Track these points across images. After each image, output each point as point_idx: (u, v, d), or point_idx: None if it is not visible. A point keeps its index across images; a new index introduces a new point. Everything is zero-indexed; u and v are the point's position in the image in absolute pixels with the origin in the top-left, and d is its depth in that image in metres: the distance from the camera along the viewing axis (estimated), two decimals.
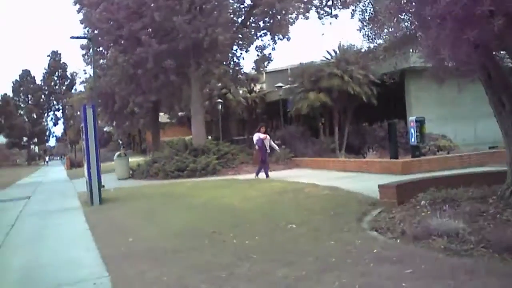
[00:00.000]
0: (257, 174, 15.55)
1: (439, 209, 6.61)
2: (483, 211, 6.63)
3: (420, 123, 15.71)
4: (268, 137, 15.85)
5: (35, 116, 79.54)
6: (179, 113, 34.61)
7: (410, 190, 8.40)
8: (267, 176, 15.32)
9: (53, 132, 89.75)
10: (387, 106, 21.05)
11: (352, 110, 21.73)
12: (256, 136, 15.62)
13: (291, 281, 4.56)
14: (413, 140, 15.70)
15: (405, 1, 5.86)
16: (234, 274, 4.99)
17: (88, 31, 25.00)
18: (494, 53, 7.35)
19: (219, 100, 28.78)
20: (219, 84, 25.99)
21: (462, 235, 5.56)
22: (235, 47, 24.19)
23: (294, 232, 6.92)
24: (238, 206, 9.79)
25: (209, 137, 26.90)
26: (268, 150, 15.81)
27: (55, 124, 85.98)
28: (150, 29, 22.03)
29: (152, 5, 20.94)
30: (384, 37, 6.69)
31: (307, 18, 7.71)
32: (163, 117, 37.81)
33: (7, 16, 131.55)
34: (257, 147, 15.67)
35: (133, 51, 21.76)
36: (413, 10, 6.45)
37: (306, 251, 5.69)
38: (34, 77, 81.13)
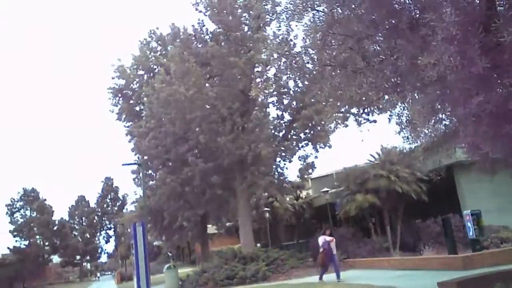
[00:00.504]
0: (320, 278, 15.17)
1: None
2: None
3: (477, 216, 15.13)
4: (334, 239, 15.67)
5: (88, 236, 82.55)
6: (227, 224, 34.85)
7: (473, 286, 7.87)
8: (338, 277, 14.88)
9: (105, 249, 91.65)
10: (438, 201, 20.51)
11: (402, 208, 21.34)
12: (322, 239, 15.39)
13: None
14: (471, 234, 15.03)
15: (438, 104, 6.00)
16: None
17: (138, 157, 27.18)
18: None
19: (266, 208, 29.05)
20: (265, 194, 26.43)
21: None
22: (278, 159, 25.11)
23: None
24: None
25: (258, 245, 26.76)
26: (334, 252, 15.49)
27: (107, 241, 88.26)
28: (196, 150, 23.43)
29: (197, 129, 22.54)
30: (423, 138, 6.79)
31: (346, 126, 8.01)
32: (211, 228, 38.07)
33: (64, 148, 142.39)
34: (322, 249, 15.28)
35: (181, 171, 23.04)
36: (448, 109, 6.61)
37: None
38: (88, 201, 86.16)
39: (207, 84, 22.51)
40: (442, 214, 18.23)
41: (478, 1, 4.81)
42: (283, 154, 24.55)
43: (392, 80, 6.26)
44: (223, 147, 21.59)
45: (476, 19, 4.65)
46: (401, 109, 7.71)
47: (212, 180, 22.41)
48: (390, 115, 8.07)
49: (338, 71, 6.74)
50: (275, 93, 22.17)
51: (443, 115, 7.18)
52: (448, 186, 19.62)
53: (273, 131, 24.15)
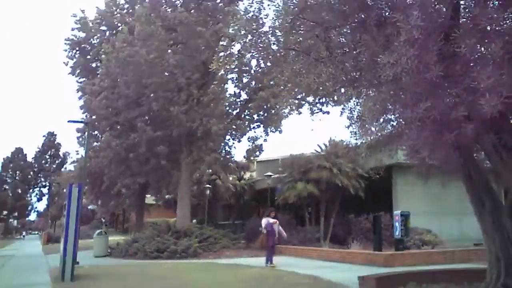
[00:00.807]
0: (267, 261, 14.75)
1: None
2: None
3: (405, 217, 15.85)
4: (277, 222, 15.61)
5: (19, 191, 79.23)
6: (166, 196, 34.62)
7: (390, 283, 8.38)
8: (271, 262, 14.72)
9: (36, 208, 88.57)
10: (374, 199, 21.31)
11: (339, 201, 22.03)
12: (265, 220, 15.30)
13: None
14: (397, 233, 15.77)
15: (389, 104, 6.21)
16: None
17: (86, 116, 26.36)
18: (475, 155, 7.72)
19: (208, 185, 29.09)
20: (209, 170, 26.42)
21: None
22: (228, 137, 25.08)
23: None
24: None
25: (194, 221, 26.87)
26: (277, 235, 15.46)
27: (39, 200, 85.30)
28: (147, 117, 23.00)
29: (152, 95, 22.09)
30: (370, 135, 7.04)
31: (299, 113, 8.20)
32: (149, 199, 37.69)
33: (6, 93, 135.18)
34: (265, 231, 15.17)
35: (128, 136, 22.53)
36: (398, 111, 6.89)
37: None
38: (26, 154, 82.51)
39: (169, 51, 22.04)
40: (375, 211, 18.96)
41: (444, 10, 5.03)
42: (233, 132, 24.58)
43: (351, 74, 6.47)
44: (175, 118, 21.33)
45: (439, 27, 4.87)
46: (354, 104, 7.96)
47: (158, 149, 22.13)
48: (343, 109, 8.29)
49: (301, 58, 6.87)
50: (236, 69, 22.07)
51: (392, 116, 7.49)
52: (385, 185, 20.43)
53: (227, 108, 24.10)
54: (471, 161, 7.60)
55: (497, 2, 4.62)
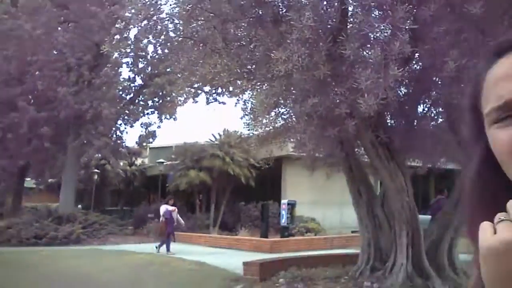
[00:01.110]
0: (161, 248, 14.48)
1: (296, 287, 6.92)
2: None
3: (292, 206, 16.63)
4: (176, 209, 15.35)
5: None
6: (50, 180, 32.42)
7: (273, 268, 8.77)
8: (168, 249, 14.39)
9: None
10: (264, 188, 22.02)
11: (230, 190, 22.43)
12: (164, 208, 15.00)
13: None
14: (283, 221, 16.49)
15: (281, 98, 6.49)
16: None
17: None
18: (356, 149, 8.37)
19: (96, 170, 27.74)
20: (98, 155, 25.26)
21: None
22: (120, 121, 24.12)
23: None
24: (96, 277, 9.29)
25: (79, 206, 25.55)
26: (175, 223, 15.17)
27: None
28: (30, 96, 21.27)
29: (37, 73, 20.42)
30: (261, 127, 7.30)
31: (195, 102, 8.25)
32: (29, 182, 35.00)
33: None
34: (164, 219, 14.81)
35: (6, 115, 20.60)
36: (288, 106, 7.24)
37: None
38: None
39: (59, 28, 20.58)
40: (264, 200, 19.63)
41: (334, 13, 5.36)
42: (126, 117, 23.72)
43: (246, 67, 6.63)
44: (62, 99, 20.00)
45: (328, 29, 5.19)
46: (248, 96, 8.20)
47: (42, 131, 20.58)
48: (237, 100, 8.53)
49: (198, 47, 6.88)
50: (131, 54, 21.26)
51: (284, 110, 7.85)
52: (274, 175, 21.17)
53: (121, 92, 23.18)
54: (352, 155, 8.24)
55: (378, 13, 5.03)
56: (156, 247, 14.54)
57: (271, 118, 7.53)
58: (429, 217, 9.64)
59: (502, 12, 4.95)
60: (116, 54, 18.02)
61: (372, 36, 5.16)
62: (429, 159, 8.49)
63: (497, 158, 0.64)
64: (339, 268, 8.87)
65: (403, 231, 7.34)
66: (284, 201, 17.18)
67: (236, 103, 8.45)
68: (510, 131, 0.61)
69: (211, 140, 23.17)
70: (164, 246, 14.55)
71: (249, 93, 7.81)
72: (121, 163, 29.61)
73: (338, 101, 5.45)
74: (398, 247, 7.37)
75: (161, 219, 15.05)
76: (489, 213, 0.59)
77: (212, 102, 8.72)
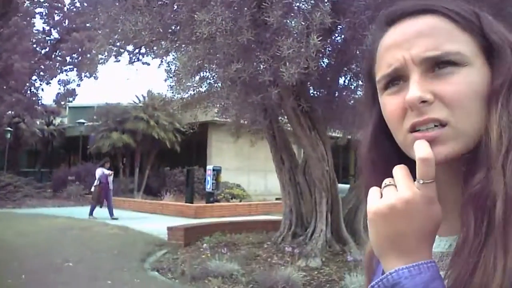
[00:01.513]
0: (91, 213, 13.81)
1: (220, 252, 6.99)
2: (257, 255, 7.33)
3: (217, 172, 16.62)
4: (112, 173, 14.59)
5: None
6: None
7: (198, 233, 8.81)
8: (111, 214, 13.75)
9: None
10: (190, 153, 21.83)
11: (155, 154, 22.04)
12: (100, 171, 14.11)
13: None
14: (208, 187, 16.48)
15: (205, 62, 6.29)
16: None
17: None
18: (279, 118, 8.41)
19: (9, 128, 25.92)
20: (11, 112, 23.56)
21: (236, 276, 6.02)
22: (34, 77, 22.54)
23: (70, 270, 6.54)
24: (9, 241, 8.80)
25: None
26: (111, 188, 14.38)
27: None
28: None
29: None
30: (185, 90, 7.08)
31: (118, 61, 7.73)
32: None
33: None
34: (99, 182, 13.99)
35: None
36: (212, 70, 7.05)
37: None
38: None
39: None
40: (190, 166, 19.50)
41: None
42: (41, 73, 22.29)
43: (170, 27, 6.34)
44: None
45: None
46: (172, 58, 7.89)
47: None
48: (161, 62, 8.18)
49: (119, 2, 6.46)
50: (45, 4, 19.80)
51: (208, 74, 7.65)
52: (200, 141, 21.04)
53: (34, 45, 21.64)
54: (275, 123, 8.28)
55: None
56: (112, 216, 13.74)
57: (195, 82, 7.31)
58: (347, 186, 9.99)
59: None
60: (27, 3, 16.60)
61: (295, 5, 5.08)
62: (349, 130, 8.72)
63: (388, 124, 0.67)
64: (262, 234, 9.09)
65: (323, 198, 7.56)
66: (209, 167, 17.14)
67: (159, 65, 8.11)
68: (397, 98, 0.64)
69: (135, 102, 22.47)
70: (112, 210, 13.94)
71: (173, 55, 7.51)
72: (38, 122, 27.93)
73: (262, 68, 5.36)
74: (318, 214, 7.60)
75: (95, 182, 14.21)
76: (382, 178, 0.62)
77: (135, 62, 8.28)
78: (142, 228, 10.68)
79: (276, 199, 18.60)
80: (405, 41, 0.64)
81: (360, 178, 0.74)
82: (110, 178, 14.35)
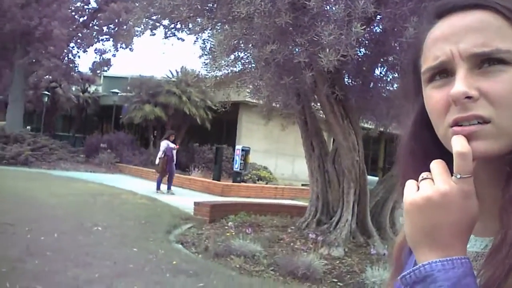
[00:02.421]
0: (160, 188, 13.46)
1: (244, 231, 7.06)
2: (280, 238, 7.36)
3: (246, 152, 16.67)
4: (177, 147, 14.24)
5: None
6: None
7: (223, 211, 8.90)
8: (169, 188, 13.54)
9: None
10: (220, 131, 21.96)
11: (185, 129, 22.27)
12: (165, 144, 13.55)
13: (80, 283, 4.40)
14: (236, 166, 16.59)
15: (241, 42, 6.26)
16: (16, 269, 4.60)
17: None
18: (312, 104, 8.33)
19: (46, 92, 26.64)
20: (49, 77, 24.17)
21: (258, 257, 6.07)
22: (72, 44, 22.98)
23: (98, 234, 6.73)
24: (43, 200, 9.12)
25: (28, 127, 24.73)
26: (175, 161, 14.09)
27: None
28: None
29: None
30: (220, 69, 7.08)
31: (154, 34, 7.77)
32: None
33: None
34: (163, 154, 13.40)
35: None
36: (247, 50, 7.00)
37: (106, 254, 5.60)
38: None
39: None
40: (219, 144, 19.62)
41: None
42: (79, 41, 22.64)
43: (208, 4, 6.32)
44: (7, 9, 18.65)
45: None
46: (208, 36, 7.87)
47: None
48: (197, 38, 8.18)
49: None
50: None
51: (243, 54, 7.61)
52: (230, 120, 21.13)
53: (73, 13, 21.94)
54: (308, 109, 8.20)
55: None
56: (169, 190, 13.51)
57: (230, 61, 7.28)
58: (376, 178, 9.88)
59: None
60: None
61: None
62: (381, 122, 8.57)
63: (430, 117, 0.67)
64: (286, 218, 9.09)
65: (351, 189, 7.48)
66: (238, 147, 17.20)
67: (195, 41, 8.08)
68: (442, 92, 0.64)
69: (168, 77, 22.64)
70: (165, 184, 13.58)
71: (209, 33, 7.46)
72: (73, 88, 28.60)
73: (297, 51, 5.31)
74: (345, 204, 7.52)
75: (159, 155, 13.59)
76: (420, 170, 0.63)
77: (170, 36, 8.31)
78: (169, 201, 10.87)
79: (302, 185, 18.59)
80: (454, 34, 0.63)
81: (397, 168, 0.74)
82: (175, 152, 13.96)
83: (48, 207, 8.49)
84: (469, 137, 0.60)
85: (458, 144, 0.58)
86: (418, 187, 0.61)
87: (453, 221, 0.58)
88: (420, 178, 0.61)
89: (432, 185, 0.59)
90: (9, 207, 7.93)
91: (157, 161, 13.68)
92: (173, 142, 14.08)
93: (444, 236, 0.58)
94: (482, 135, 0.60)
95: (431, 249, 0.59)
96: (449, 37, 0.64)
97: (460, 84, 0.61)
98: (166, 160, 13.48)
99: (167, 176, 13.63)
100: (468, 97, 0.60)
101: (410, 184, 0.62)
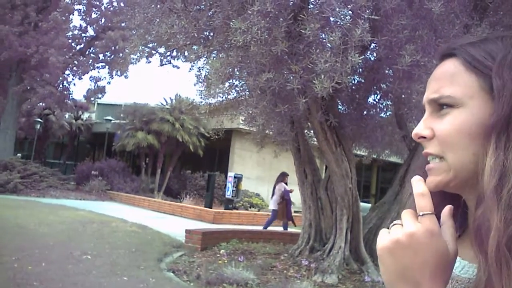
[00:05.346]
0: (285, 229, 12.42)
1: (236, 259, 6.98)
2: (273, 266, 7.28)
3: (238, 179, 16.67)
4: (293, 190, 12.43)
5: None
6: None
7: (215, 238, 8.82)
8: (285, 229, 12.34)
9: None
10: (212, 158, 21.95)
11: (177, 156, 22.24)
12: (282, 187, 12.34)
13: None
14: (228, 193, 16.54)
15: (236, 70, 6.33)
16: None
17: None
18: (305, 131, 8.39)
19: (39, 119, 26.58)
20: (42, 104, 24.16)
21: (251, 285, 6.00)
22: (67, 72, 23.09)
23: (88, 263, 6.60)
24: (31, 229, 8.95)
25: (19, 155, 24.53)
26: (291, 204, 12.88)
27: None
28: None
29: None
30: (214, 96, 7.14)
31: (149, 62, 7.91)
32: None
33: None
34: (281, 199, 12.27)
35: None
36: (242, 78, 7.08)
37: (95, 283, 5.49)
38: None
39: None
40: (211, 170, 19.61)
41: None
42: (74, 68, 22.78)
43: (204, 33, 6.40)
44: (4, 37, 18.81)
45: (290, 6, 5.06)
46: (203, 63, 7.97)
47: None
48: (192, 66, 8.28)
49: (156, 4, 6.58)
50: (84, 1, 20.25)
51: (238, 82, 7.70)
52: (223, 147, 21.13)
53: (70, 41, 22.17)
54: (301, 136, 8.25)
55: None
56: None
57: (224, 89, 7.37)
58: (369, 205, 9.88)
59: (455, 15, 5.00)
60: None
61: (332, 20, 5.07)
62: (374, 149, 8.63)
63: None
64: (279, 245, 9.04)
65: (344, 215, 7.47)
66: (231, 174, 17.20)
67: (190, 69, 8.21)
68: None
69: (162, 104, 22.73)
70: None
71: (204, 60, 7.58)
72: (67, 116, 28.53)
73: (291, 78, 5.37)
74: (338, 231, 7.50)
75: (275, 199, 12.38)
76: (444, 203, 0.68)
77: (166, 64, 8.41)
78: (160, 228, 10.75)
79: (295, 212, 18.46)
80: (429, 82, 0.72)
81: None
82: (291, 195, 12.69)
83: (36, 235, 8.34)
84: (428, 173, 0.68)
85: (415, 186, 0.64)
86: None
87: (422, 261, 0.60)
88: (391, 225, 0.64)
89: (400, 228, 0.62)
90: None
91: (271, 206, 12.66)
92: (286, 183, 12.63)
93: (416, 276, 0.60)
94: (436, 170, 0.67)
95: None
96: (428, 83, 0.72)
97: (419, 125, 0.70)
98: (285, 204, 12.44)
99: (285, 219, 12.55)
100: (423, 137, 0.69)
101: (382, 231, 0.65)
